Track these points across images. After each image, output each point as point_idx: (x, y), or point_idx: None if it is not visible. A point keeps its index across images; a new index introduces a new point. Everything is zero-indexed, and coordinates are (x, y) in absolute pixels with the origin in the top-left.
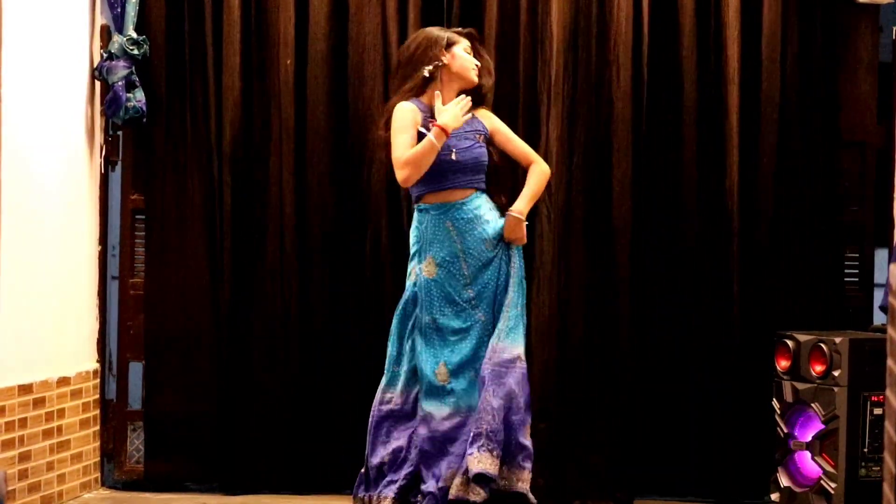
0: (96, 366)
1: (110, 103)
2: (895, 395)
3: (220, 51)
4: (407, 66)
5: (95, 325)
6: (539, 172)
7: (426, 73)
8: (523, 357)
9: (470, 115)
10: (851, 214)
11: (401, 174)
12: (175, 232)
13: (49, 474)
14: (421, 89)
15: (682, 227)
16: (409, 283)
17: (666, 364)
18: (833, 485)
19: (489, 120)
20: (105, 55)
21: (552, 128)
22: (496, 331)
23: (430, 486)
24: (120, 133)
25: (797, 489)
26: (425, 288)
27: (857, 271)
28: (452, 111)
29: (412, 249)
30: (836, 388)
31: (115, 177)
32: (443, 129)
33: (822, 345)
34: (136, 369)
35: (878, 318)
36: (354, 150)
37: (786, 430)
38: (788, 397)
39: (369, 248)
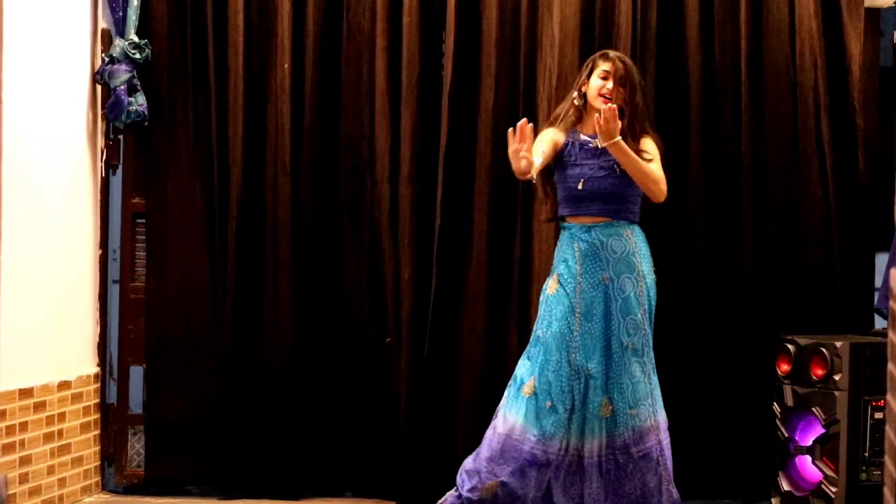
0: (97, 369)
1: (112, 107)
2: None
3: (220, 53)
4: (565, 98)
5: (96, 329)
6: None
7: (575, 103)
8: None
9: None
10: (852, 218)
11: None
12: (176, 235)
13: (50, 478)
14: (576, 119)
15: (684, 231)
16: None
17: (666, 367)
18: (834, 489)
19: (643, 144)
20: (106, 59)
21: None
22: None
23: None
24: (121, 137)
25: (798, 493)
26: (545, 304)
27: (857, 275)
28: (604, 129)
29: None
30: (836, 392)
31: (116, 180)
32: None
33: (823, 349)
34: (136, 373)
35: (879, 322)
36: (350, 153)
37: (786, 434)
38: (789, 401)
39: (367, 250)
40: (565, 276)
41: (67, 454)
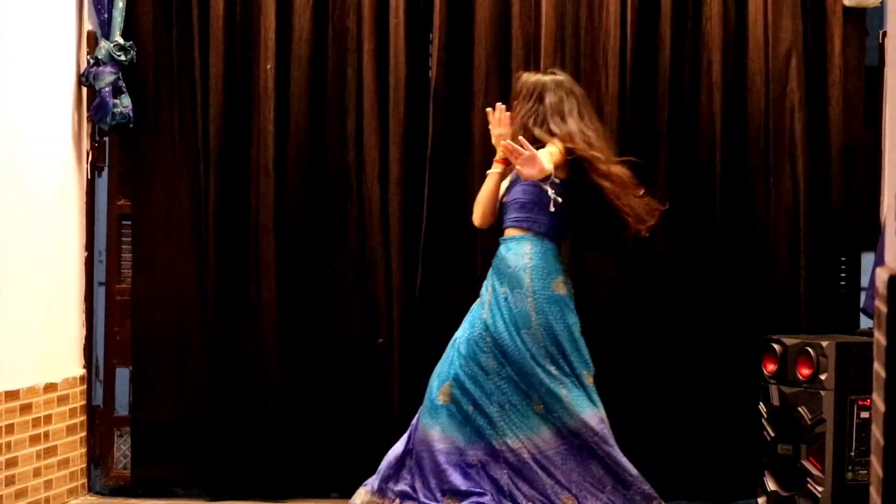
0: (83, 372)
1: (97, 109)
2: (882, 399)
3: (205, 55)
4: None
5: (82, 331)
6: None
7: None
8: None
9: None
10: (839, 218)
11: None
12: (162, 237)
13: (36, 480)
14: None
15: (668, 232)
16: None
17: (652, 367)
18: (820, 488)
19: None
20: (92, 61)
21: None
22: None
23: None
24: (107, 139)
25: (784, 493)
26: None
27: (844, 275)
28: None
29: None
30: (822, 392)
31: (102, 182)
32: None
33: (809, 348)
34: (122, 375)
35: (865, 322)
36: (334, 154)
37: (773, 434)
38: (775, 401)
39: (351, 250)
40: (486, 286)
41: (54, 456)
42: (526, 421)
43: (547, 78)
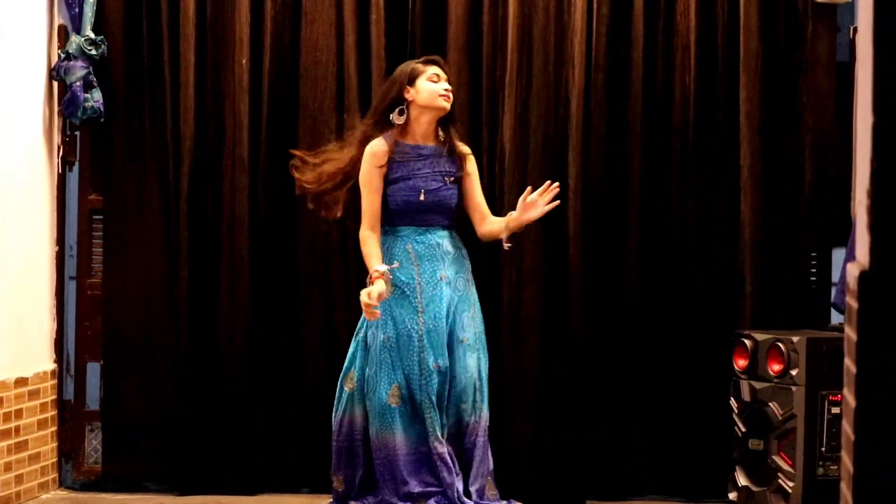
0: (54, 366)
1: (68, 103)
2: (853, 394)
3: (176, 50)
4: (377, 109)
5: (53, 326)
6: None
7: (398, 122)
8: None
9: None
10: (809, 213)
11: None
12: (133, 232)
13: (7, 475)
14: (398, 129)
15: (639, 227)
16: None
17: (622, 363)
18: (791, 484)
19: (468, 163)
20: (62, 55)
21: (506, 127)
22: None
23: None
24: (77, 133)
25: (755, 488)
26: (380, 307)
27: (815, 270)
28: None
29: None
30: (793, 388)
31: (73, 177)
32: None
33: (780, 344)
34: (93, 370)
35: (836, 317)
36: (306, 149)
37: (744, 430)
38: (746, 396)
39: (328, 245)
40: (402, 278)
41: (24, 451)
42: (446, 420)
43: None
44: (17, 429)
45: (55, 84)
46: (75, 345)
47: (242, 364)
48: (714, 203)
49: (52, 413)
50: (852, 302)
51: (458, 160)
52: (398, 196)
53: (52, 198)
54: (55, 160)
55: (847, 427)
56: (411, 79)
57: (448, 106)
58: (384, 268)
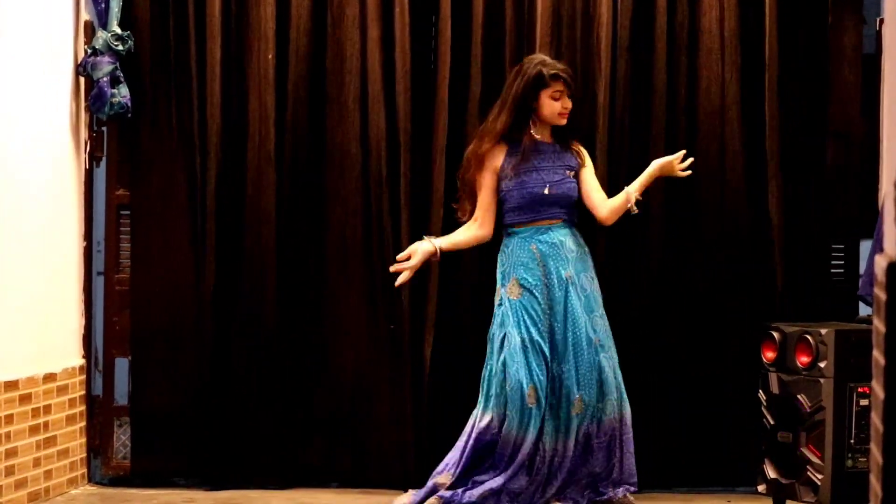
0: (82, 362)
1: (95, 99)
2: (881, 386)
3: (202, 45)
4: (504, 103)
5: (81, 321)
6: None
7: (535, 133)
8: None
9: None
10: (836, 205)
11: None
12: (160, 227)
13: (35, 470)
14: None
15: (669, 221)
16: (496, 306)
17: (651, 355)
18: (820, 476)
19: (582, 156)
20: (89, 51)
21: None
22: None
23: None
24: (104, 129)
25: (784, 481)
26: (511, 309)
27: (842, 263)
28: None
29: (498, 273)
30: (822, 380)
31: (100, 172)
32: None
33: (808, 336)
34: (122, 365)
35: (864, 309)
36: (333, 145)
37: (772, 422)
38: (775, 389)
39: (356, 241)
40: (529, 279)
41: (53, 446)
42: (566, 424)
43: None
44: (46, 424)
45: (82, 80)
46: (103, 340)
47: (271, 358)
48: (742, 195)
49: (80, 408)
50: (880, 293)
51: (575, 153)
52: (521, 191)
53: (79, 193)
54: (82, 156)
55: (876, 419)
56: (536, 88)
57: (564, 123)
58: (436, 246)
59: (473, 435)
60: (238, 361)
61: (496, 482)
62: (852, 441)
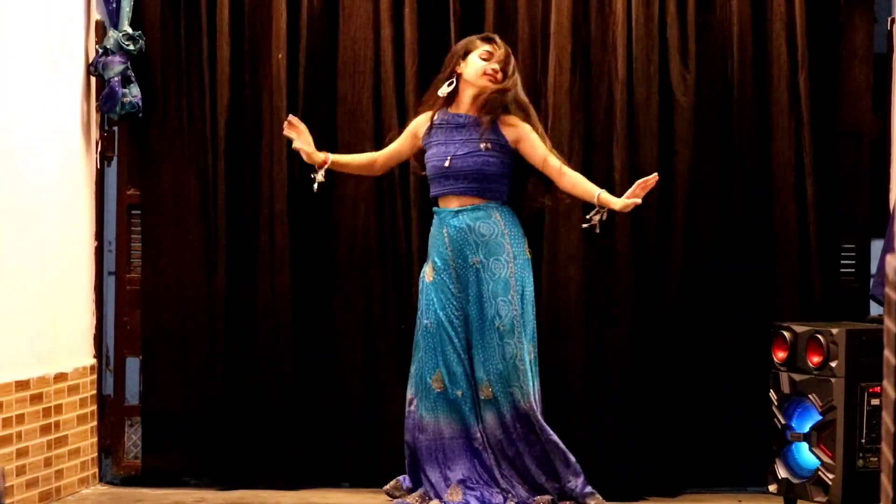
0: (93, 361)
1: (106, 99)
2: (892, 386)
3: (213, 44)
4: (436, 78)
5: (92, 321)
6: (574, 177)
7: (445, 89)
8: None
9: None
10: (847, 205)
11: None
12: (171, 226)
13: (47, 470)
14: (445, 99)
15: (678, 220)
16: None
17: (661, 356)
18: (831, 476)
19: (515, 130)
20: (100, 51)
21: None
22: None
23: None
24: (116, 128)
25: (795, 480)
26: (424, 291)
27: (853, 262)
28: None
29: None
30: (833, 379)
31: (111, 172)
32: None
33: (819, 336)
34: (133, 364)
35: (875, 308)
36: (344, 143)
37: (783, 422)
38: (786, 388)
39: (362, 242)
40: (439, 264)
41: (64, 446)
42: (480, 408)
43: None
44: (57, 424)
45: (93, 79)
46: (115, 340)
47: (282, 358)
48: (754, 195)
49: (91, 408)
50: (891, 293)
51: (507, 127)
52: (431, 163)
53: (90, 193)
54: (93, 155)
55: (887, 418)
56: (465, 52)
57: (490, 86)
58: (329, 159)
59: (406, 418)
60: (249, 361)
61: (434, 475)
62: (863, 441)
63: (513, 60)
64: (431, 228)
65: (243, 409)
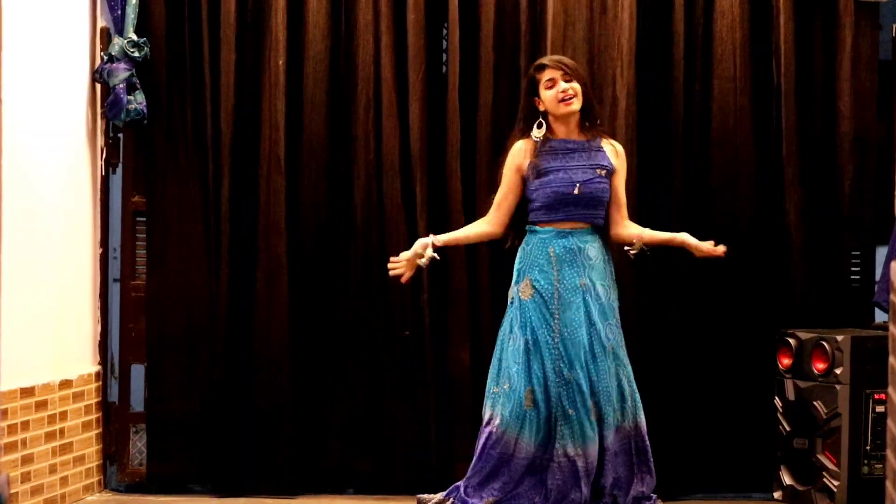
0: (98, 368)
1: (111, 105)
2: None
3: (216, 51)
4: (519, 121)
5: (97, 328)
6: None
7: (538, 132)
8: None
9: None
10: (852, 211)
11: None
12: (176, 233)
13: (52, 477)
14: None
15: (682, 225)
16: (508, 304)
17: (667, 362)
18: (836, 482)
19: (618, 159)
20: (105, 57)
21: None
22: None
23: None
24: (121, 135)
25: (800, 487)
26: (520, 308)
27: (858, 268)
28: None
29: (515, 270)
30: (838, 386)
31: (116, 179)
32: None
33: (824, 342)
34: (137, 371)
35: (880, 315)
36: (346, 152)
37: (788, 428)
38: (790, 395)
39: (361, 250)
40: (541, 282)
41: (69, 453)
42: (581, 429)
43: None
44: (62, 431)
45: (98, 86)
46: (119, 346)
47: (283, 365)
48: (757, 202)
49: (96, 415)
50: None
51: (612, 154)
52: (547, 189)
53: (95, 200)
54: (98, 162)
55: (892, 425)
56: (533, 90)
57: (571, 108)
58: (432, 239)
59: (481, 436)
60: (251, 368)
61: (496, 490)
62: (868, 447)
63: (572, 68)
64: (527, 246)
65: (248, 416)
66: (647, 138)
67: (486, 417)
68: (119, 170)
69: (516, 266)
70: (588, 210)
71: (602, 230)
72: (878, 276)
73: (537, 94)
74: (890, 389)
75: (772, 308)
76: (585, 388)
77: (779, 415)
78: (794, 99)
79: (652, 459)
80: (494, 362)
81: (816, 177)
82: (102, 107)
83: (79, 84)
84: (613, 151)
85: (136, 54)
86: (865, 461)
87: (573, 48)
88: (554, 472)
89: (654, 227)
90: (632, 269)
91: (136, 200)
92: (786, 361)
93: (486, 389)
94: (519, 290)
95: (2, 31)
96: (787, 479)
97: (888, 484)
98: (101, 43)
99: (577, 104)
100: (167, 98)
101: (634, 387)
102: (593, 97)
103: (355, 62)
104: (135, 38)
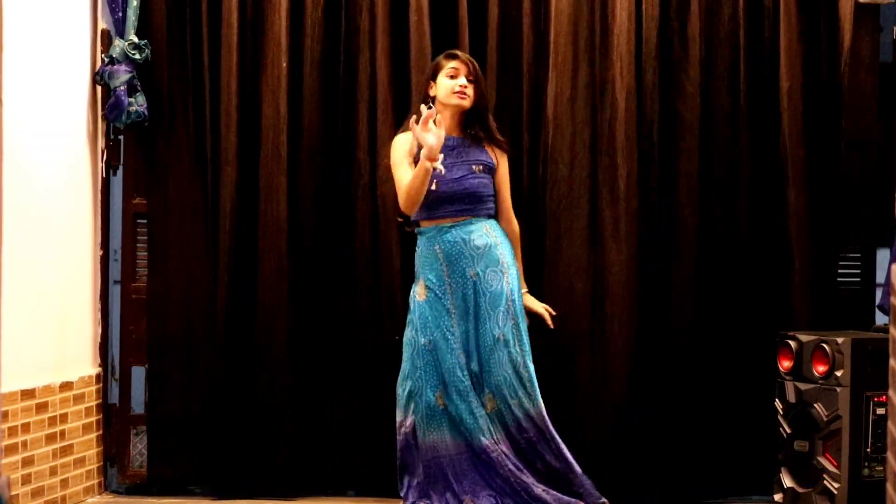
0: (98, 370)
1: (112, 108)
2: None
3: (217, 53)
4: (414, 105)
5: (97, 330)
6: (513, 234)
7: (423, 112)
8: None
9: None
10: (852, 213)
11: (403, 206)
12: (176, 235)
13: (52, 479)
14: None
15: (683, 228)
16: (410, 307)
17: (666, 365)
18: (836, 485)
19: (497, 158)
20: (106, 60)
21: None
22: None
23: None
24: (121, 137)
25: (800, 489)
26: (417, 310)
27: (858, 271)
28: (425, 135)
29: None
30: (838, 389)
31: (117, 181)
32: (428, 158)
33: (825, 345)
34: (138, 373)
35: (880, 318)
36: (346, 153)
37: (789, 431)
38: (791, 398)
39: (365, 250)
40: (433, 281)
41: (70, 455)
42: (491, 421)
43: None
44: (63, 433)
45: (99, 88)
46: (120, 348)
47: (283, 366)
48: (759, 204)
49: (97, 417)
50: None
51: (492, 151)
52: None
53: (95, 202)
54: (99, 164)
55: (893, 427)
56: (434, 74)
57: (464, 103)
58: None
59: (398, 440)
60: (251, 370)
61: (446, 493)
62: (869, 450)
63: (478, 75)
64: (418, 248)
65: (249, 417)
66: (646, 139)
67: (398, 424)
68: (120, 172)
69: (415, 269)
70: (468, 206)
71: (492, 218)
72: (879, 279)
73: (434, 79)
74: (890, 392)
75: (772, 310)
76: (481, 380)
77: (779, 417)
78: (795, 100)
79: (559, 440)
80: (402, 366)
81: (817, 178)
82: (103, 109)
83: (79, 86)
84: (492, 150)
85: (137, 56)
86: (866, 463)
87: (574, 51)
88: (491, 463)
89: (653, 228)
90: (632, 271)
91: (137, 202)
92: (786, 364)
93: (397, 395)
94: (416, 293)
95: (2, 33)
96: (787, 482)
97: (889, 486)
98: (102, 45)
99: (467, 103)
100: (168, 100)
101: (530, 374)
102: (489, 111)
103: (356, 63)
104: (136, 40)
